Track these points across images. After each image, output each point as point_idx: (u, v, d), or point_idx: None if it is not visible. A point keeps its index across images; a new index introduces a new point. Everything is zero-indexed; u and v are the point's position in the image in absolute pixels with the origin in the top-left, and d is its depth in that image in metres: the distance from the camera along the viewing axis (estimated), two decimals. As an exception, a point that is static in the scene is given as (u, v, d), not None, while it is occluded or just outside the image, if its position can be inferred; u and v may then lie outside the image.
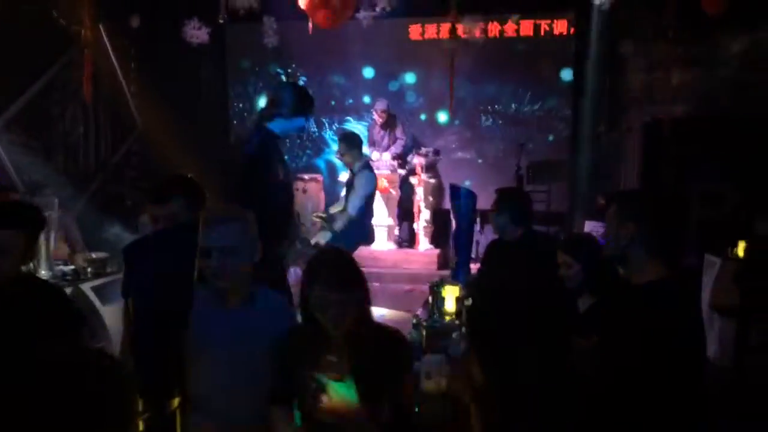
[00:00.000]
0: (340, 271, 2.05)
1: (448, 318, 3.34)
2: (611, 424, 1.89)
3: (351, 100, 8.83)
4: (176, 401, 1.91)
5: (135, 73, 7.71)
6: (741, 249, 5.33)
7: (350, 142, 5.25)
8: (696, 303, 2.40)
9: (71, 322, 2.25)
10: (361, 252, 7.25)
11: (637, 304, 1.93)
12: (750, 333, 4.77)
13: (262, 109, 3.52)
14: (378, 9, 6.73)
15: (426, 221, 7.50)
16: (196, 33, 6.96)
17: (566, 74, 8.22)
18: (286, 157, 3.68)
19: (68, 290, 4.12)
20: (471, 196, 4.31)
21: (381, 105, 7.85)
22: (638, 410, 1.84)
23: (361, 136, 5.69)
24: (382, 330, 2.11)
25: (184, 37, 7.10)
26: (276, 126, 3.36)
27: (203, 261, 2.13)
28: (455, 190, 4.36)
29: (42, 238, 4.02)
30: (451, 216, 4.81)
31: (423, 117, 8.64)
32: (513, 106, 8.41)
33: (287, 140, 8.08)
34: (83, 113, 7.13)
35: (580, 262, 2.68)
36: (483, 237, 7.13)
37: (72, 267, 4.63)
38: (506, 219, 3.47)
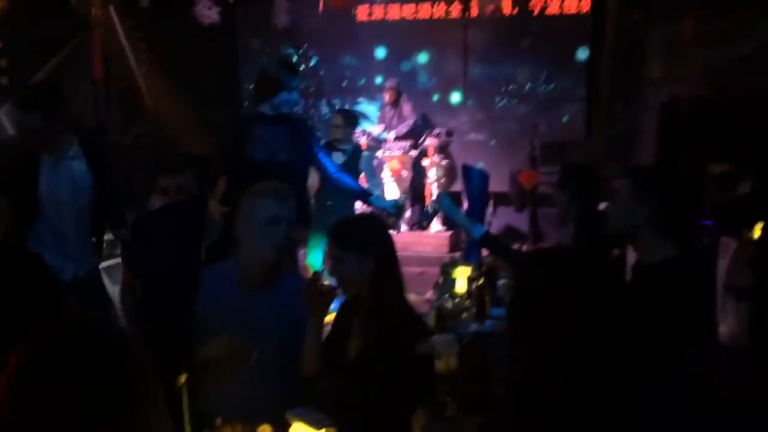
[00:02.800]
0: (343, 226, 2.09)
1: (458, 299, 3.31)
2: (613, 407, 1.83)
3: (363, 81, 8.76)
4: (183, 378, 1.89)
5: (145, 53, 7.68)
6: (758, 231, 5.25)
7: (350, 118, 5.27)
8: (708, 284, 2.34)
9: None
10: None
11: (649, 285, 1.88)
12: (766, 315, 4.70)
13: (255, 96, 3.45)
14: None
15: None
16: (207, 13, 6.92)
17: (582, 53, 8.10)
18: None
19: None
20: (483, 177, 4.24)
21: (389, 82, 7.75)
22: (642, 392, 1.79)
23: (373, 117, 5.69)
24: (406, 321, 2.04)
25: (195, 17, 7.05)
26: (266, 108, 3.28)
27: (268, 229, 2.16)
28: (467, 171, 4.28)
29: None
30: (463, 198, 4.74)
31: (435, 98, 8.56)
32: (528, 85, 8.31)
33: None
34: (94, 94, 7.12)
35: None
36: (495, 219, 7.07)
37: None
38: (569, 197, 3.48)
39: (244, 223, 2.21)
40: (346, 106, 8.67)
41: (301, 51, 8.63)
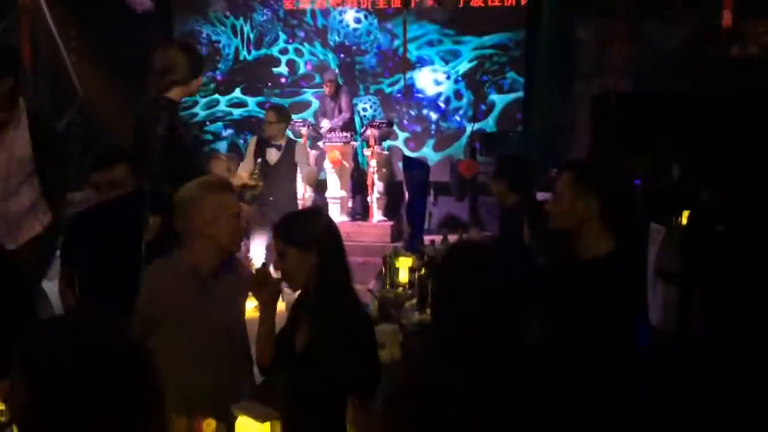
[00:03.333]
0: (286, 220, 2.12)
1: (401, 289, 3.35)
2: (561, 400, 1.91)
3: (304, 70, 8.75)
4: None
5: (76, 41, 7.41)
6: (685, 217, 5.48)
7: (281, 113, 5.29)
8: (643, 272, 2.44)
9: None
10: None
11: (594, 279, 1.92)
12: (692, 299, 4.92)
13: (155, 81, 3.27)
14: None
15: (379, 193, 7.48)
16: (141, 0, 6.72)
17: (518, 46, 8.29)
18: None
19: None
20: (424, 167, 4.30)
21: (329, 75, 7.71)
22: (586, 382, 1.86)
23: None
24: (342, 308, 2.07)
25: (128, 5, 6.85)
26: (175, 95, 3.16)
27: (231, 221, 2.22)
28: (408, 161, 4.35)
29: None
30: (404, 188, 4.81)
31: (377, 86, 8.61)
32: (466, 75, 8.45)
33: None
34: (21, 81, 6.82)
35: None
36: (436, 209, 7.16)
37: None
38: (505, 186, 3.61)
39: (203, 216, 2.18)
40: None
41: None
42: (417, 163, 4.28)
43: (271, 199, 5.19)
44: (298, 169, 5.57)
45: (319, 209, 2.32)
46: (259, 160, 4.59)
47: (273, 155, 5.45)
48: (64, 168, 3.41)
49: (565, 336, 1.92)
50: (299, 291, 2.19)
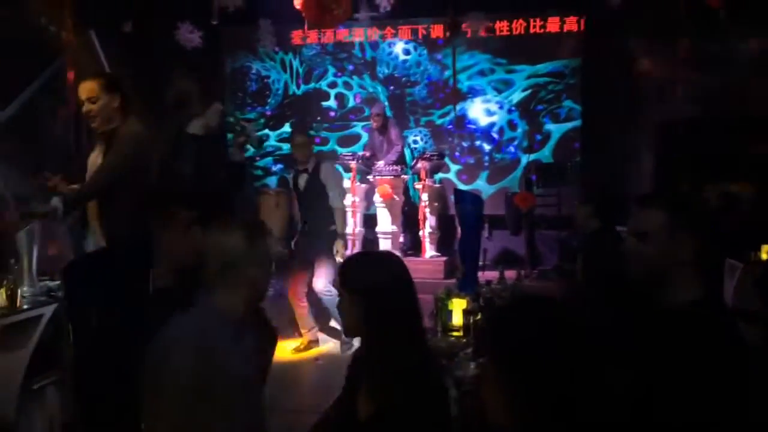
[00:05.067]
0: (349, 260, 1.99)
1: (455, 334, 3.06)
2: None
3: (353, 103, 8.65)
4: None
5: (129, 79, 7.46)
6: (764, 252, 5.06)
7: (307, 134, 5.24)
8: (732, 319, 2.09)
9: None
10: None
11: (677, 329, 1.61)
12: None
13: (173, 115, 3.19)
14: (380, 9, 6.47)
15: (431, 228, 7.23)
16: (189, 36, 6.73)
17: (574, 73, 7.99)
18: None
19: (52, 307, 3.84)
20: (477, 201, 4.04)
21: (376, 108, 7.49)
22: None
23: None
24: None
25: (178, 41, 6.87)
26: (196, 128, 3.03)
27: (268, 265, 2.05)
28: (460, 194, 4.09)
29: (24, 250, 3.77)
30: (456, 223, 4.56)
31: (427, 118, 8.41)
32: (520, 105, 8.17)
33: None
34: (75, 122, 6.89)
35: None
36: (491, 243, 6.84)
37: (58, 282, 4.37)
38: (589, 211, 3.83)
39: (244, 260, 1.97)
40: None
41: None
42: (470, 197, 4.01)
43: (306, 226, 5.04)
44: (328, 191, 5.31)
45: (390, 254, 2.04)
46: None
47: (302, 180, 5.29)
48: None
49: (663, 397, 1.60)
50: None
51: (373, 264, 1.90)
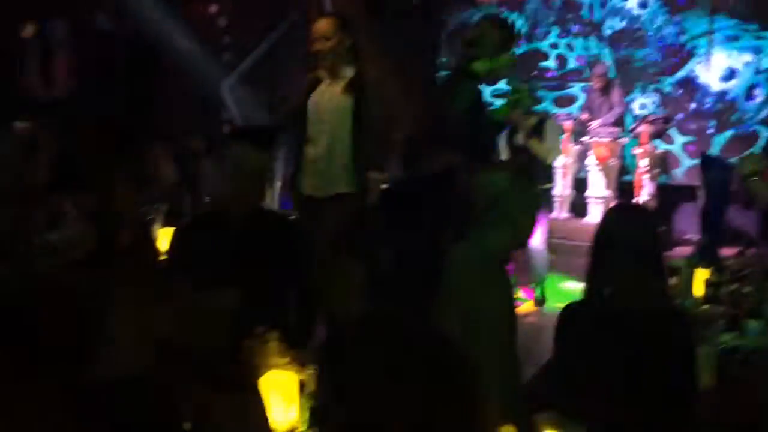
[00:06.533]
0: None
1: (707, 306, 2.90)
2: None
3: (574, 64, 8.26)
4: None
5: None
6: None
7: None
8: None
9: None
10: (573, 224, 6.80)
11: None
12: None
13: (461, 53, 3.19)
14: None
15: (649, 195, 6.81)
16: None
17: None
18: None
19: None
20: (726, 168, 3.73)
21: (599, 69, 7.22)
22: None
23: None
24: None
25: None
26: (480, 68, 3.01)
27: None
28: (708, 161, 3.80)
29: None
30: (698, 192, 4.24)
31: (655, 85, 7.78)
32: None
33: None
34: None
35: None
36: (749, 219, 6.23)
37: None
38: None
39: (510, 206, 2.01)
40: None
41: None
42: (719, 163, 3.72)
43: None
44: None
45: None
46: None
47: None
48: None
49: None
50: None
51: None
